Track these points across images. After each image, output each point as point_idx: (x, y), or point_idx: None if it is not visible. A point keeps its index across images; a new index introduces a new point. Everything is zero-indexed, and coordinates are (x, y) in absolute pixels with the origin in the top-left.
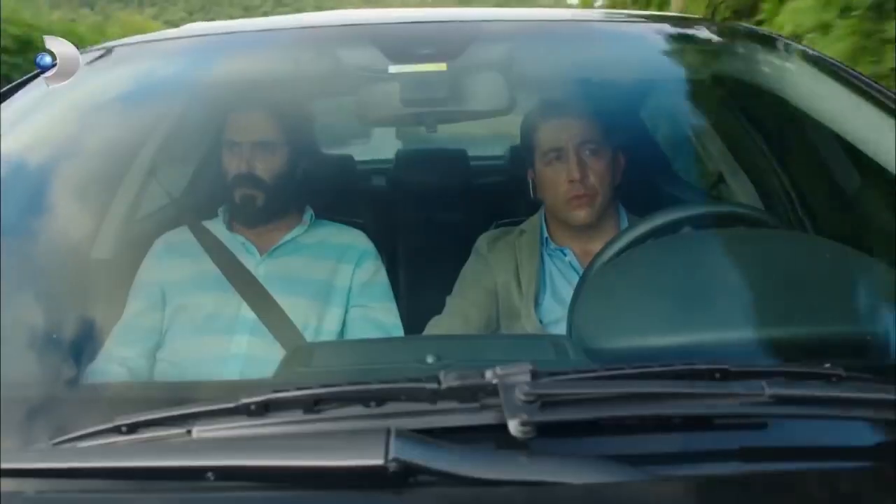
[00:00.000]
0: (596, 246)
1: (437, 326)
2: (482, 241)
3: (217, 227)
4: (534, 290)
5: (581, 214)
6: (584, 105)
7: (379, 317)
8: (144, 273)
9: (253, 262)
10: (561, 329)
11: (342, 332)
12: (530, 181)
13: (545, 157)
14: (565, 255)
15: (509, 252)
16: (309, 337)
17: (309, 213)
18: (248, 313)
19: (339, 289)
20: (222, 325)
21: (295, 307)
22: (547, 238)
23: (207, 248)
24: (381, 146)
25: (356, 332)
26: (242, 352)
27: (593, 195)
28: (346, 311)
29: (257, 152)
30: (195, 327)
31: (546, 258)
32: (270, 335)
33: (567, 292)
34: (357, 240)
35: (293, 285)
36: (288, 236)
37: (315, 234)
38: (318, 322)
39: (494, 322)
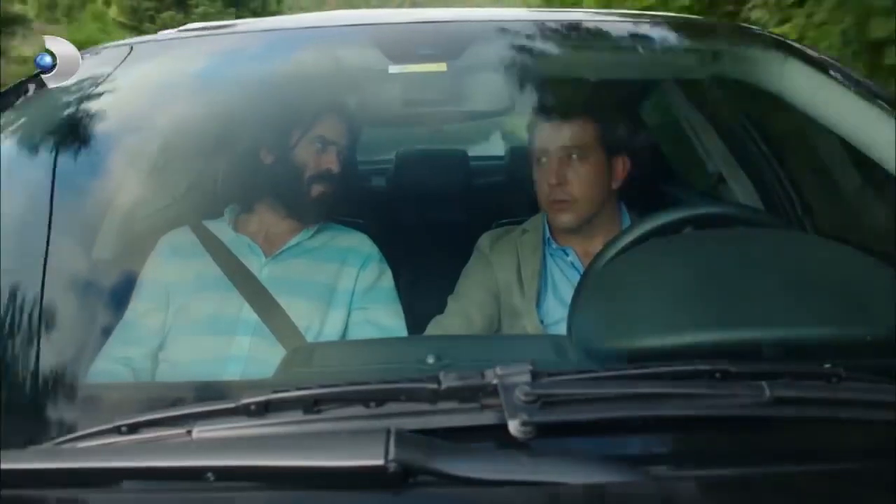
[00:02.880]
0: (598, 246)
1: (438, 326)
2: (484, 241)
3: (221, 227)
4: (535, 290)
5: (561, 219)
6: (579, 107)
7: (381, 319)
8: (148, 273)
9: (258, 264)
10: (563, 329)
11: (344, 335)
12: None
13: (537, 160)
14: (567, 254)
15: (511, 251)
16: (311, 339)
17: None
18: (250, 314)
19: (342, 292)
20: (224, 326)
21: (297, 309)
22: (549, 238)
23: (210, 248)
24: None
25: (357, 334)
26: (244, 353)
27: (572, 201)
28: (349, 315)
29: (342, 154)
30: (196, 328)
31: (548, 258)
32: (272, 337)
33: (569, 292)
34: (361, 243)
35: (296, 288)
36: (295, 240)
37: (320, 238)
38: (320, 325)
39: (496, 322)
